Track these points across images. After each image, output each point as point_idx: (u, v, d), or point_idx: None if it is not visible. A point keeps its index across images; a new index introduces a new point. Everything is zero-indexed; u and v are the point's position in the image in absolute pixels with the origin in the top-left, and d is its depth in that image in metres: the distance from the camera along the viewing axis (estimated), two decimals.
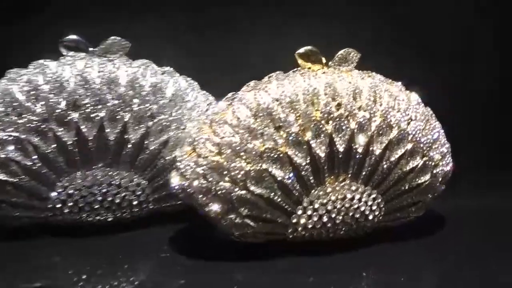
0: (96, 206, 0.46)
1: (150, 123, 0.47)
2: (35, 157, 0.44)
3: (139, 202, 0.48)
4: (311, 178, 0.43)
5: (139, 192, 0.48)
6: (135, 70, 0.47)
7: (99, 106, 0.45)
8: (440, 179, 0.47)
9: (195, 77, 0.51)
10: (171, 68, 0.50)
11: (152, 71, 0.48)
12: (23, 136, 0.44)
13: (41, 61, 0.46)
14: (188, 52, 0.58)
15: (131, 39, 0.48)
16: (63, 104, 0.44)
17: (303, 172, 0.43)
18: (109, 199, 0.47)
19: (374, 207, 0.45)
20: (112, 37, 0.47)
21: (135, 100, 0.46)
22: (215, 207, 0.42)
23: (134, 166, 0.47)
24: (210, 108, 0.50)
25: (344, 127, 0.43)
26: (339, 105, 0.44)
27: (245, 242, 0.44)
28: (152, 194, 0.48)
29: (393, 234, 0.47)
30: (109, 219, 0.47)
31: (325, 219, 0.44)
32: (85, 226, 0.47)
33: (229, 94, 0.45)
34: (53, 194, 0.45)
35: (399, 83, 0.47)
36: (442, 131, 0.48)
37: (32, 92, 0.44)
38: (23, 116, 0.44)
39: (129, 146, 0.46)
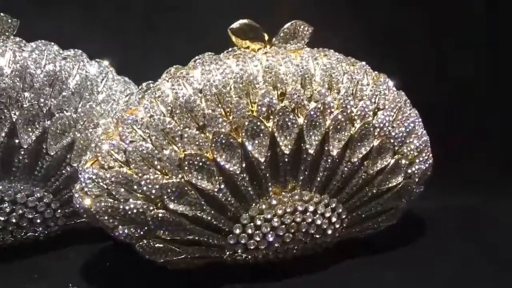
0: None
1: (48, 123, 0.37)
2: None
3: (43, 219, 0.38)
4: (249, 189, 0.34)
5: (42, 208, 0.38)
6: (26, 55, 0.37)
7: None
8: (417, 180, 0.38)
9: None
10: (79, 51, 0.40)
11: (50, 55, 0.38)
12: None
13: None
14: (107, 29, 0.47)
15: (24, 16, 0.37)
16: None
17: (238, 182, 0.34)
18: (2, 218, 0.37)
19: (333, 219, 0.36)
20: None
21: (26, 94, 0.36)
22: (125, 230, 0.33)
23: (32, 177, 0.38)
24: (123, 101, 0.40)
25: (289, 123, 0.34)
26: (282, 95, 0.34)
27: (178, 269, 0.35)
28: (61, 209, 0.39)
29: (360, 246, 0.39)
30: (7, 242, 0.38)
31: (270, 238, 0.35)
32: None
33: (143, 84, 0.36)
34: None
35: (363, 63, 0.38)
36: (419, 120, 0.39)
37: None
38: None
39: (22, 152, 0.37)
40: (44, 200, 0.38)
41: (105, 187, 0.33)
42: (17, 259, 0.39)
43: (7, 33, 0.37)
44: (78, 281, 0.37)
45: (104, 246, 0.41)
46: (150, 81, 0.36)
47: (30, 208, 0.38)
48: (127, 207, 0.33)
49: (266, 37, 0.36)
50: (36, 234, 0.39)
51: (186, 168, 0.33)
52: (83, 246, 0.40)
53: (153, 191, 0.33)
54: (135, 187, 0.33)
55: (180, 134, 0.33)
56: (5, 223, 0.37)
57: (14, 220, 0.38)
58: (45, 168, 0.38)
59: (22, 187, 0.37)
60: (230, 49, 0.36)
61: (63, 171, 0.38)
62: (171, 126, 0.33)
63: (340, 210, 0.36)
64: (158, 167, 0.33)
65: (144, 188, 0.32)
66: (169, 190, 0.33)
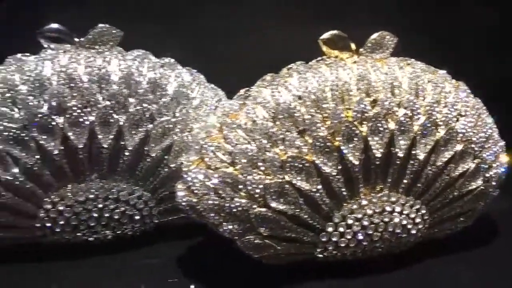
0: (92, 224, 0.40)
1: (150, 126, 0.40)
2: (16, 170, 0.38)
3: (141, 216, 0.41)
4: (343, 189, 0.36)
5: (141, 206, 0.41)
6: (130, 63, 0.39)
7: (88, 109, 0.38)
8: (494, 183, 0.40)
9: (200, 70, 0.44)
10: (172, 60, 0.42)
11: (150, 64, 0.40)
12: (0, 147, 0.37)
13: (18, 55, 0.39)
14: (190, 40, 0.50)
15: (123, 27, 0.40)
16: (45, 108, 0.37)
17: (333, 184, 0.36)
18: (107, 215, 0.40)
19: (417, 220, 0.38)
20: (101, 25, 0.39)
21: (131, 100, 0.39)
22: (229, 226, 0.36)
23: (133, 176, 0.40)
24: (220, 107, 0.43)
25: (381, 129, 0.36)
26: (374, 102, 0.36)
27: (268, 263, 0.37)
28: (157, 207, 0.42)
29: (439, 246, 0.41)
30: (109, 237, 0.41)
31: (360, 236, 0.37)
32: (81, 246, 0.41)
33: (241, 91, 0.38)
34: (41, 211, 0.39)
35: (444, 71, 0.40)
36: (495, 126, 0.41)
37: (7, 95, 0.37)
38: None
39: (127, 153, 0.40)
40: (143, 198, 0.41)
41: (212, 186, 0.35)
42: (116, 253, 0.41)
43: (111, 43, 0.40)
44: (171, 275, 0.39)
45: (192, 242, 0.43)
46: (247, 88, 0.38)
47: (131, 205, 0.41)
48: (232, 205, 0.35)
49: (354, 47, 0.39)
50: (134, 230, 0.42)
51: (287, 169, 0.35)
52: (175, 242, 0.43)
53: (257, 191, 0.35)
54: (240, 186, 0.35)
55: (282, 138, 0.35)
56: (109, 219, 0.40)
57: (116, 217, 0.40)
58: (145, 168, 0.40)
59: (124, 186, 0.40)
60: (319, 58, 0.39)
61: (161, 172, 0.41)
62: (274, 130, 0.35)
63: (424, 211, 0.38)
64: (262, 168, 0.35)
65: (249, 187, 0.35)
66: (271, 190, 0.35)
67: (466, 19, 0.54)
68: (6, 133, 0.37)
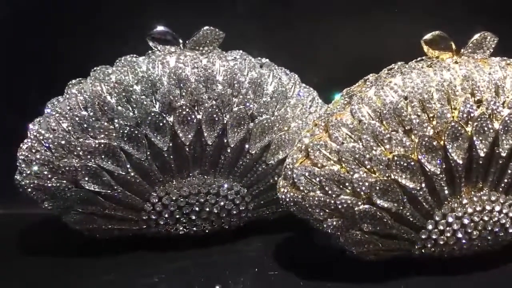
0: (193, 217, 0.42)
1: (251, 125, 0.41)
2: (129, 166, 0.40)
3: (238, 211, 0.43)
4: (445, 188, 0.37)
5: (238, 201, 0.43)
6: (232, 64, 0.41)
7: (196, 108, 0.40)
8: None
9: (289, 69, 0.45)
10: (268, 60, 0.44)
11: (250, 64, 0.42)
12: (115, 143, 0.39)
13: (128, 57, 0.41)
14: (276, 39, 0.51)
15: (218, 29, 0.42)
16: (157, 107, 0.39)
17: (436, 182, 0.37)
18: (207, 209, 0.42)
19: None
20: (205, 27, 0.41)
21: (234, 99, 0.41)
22: (334, 222, 0.37)
23: (233, 172, 0.42)
24: (314, 105, 0.44)
25: (486, 129, 0.36)
26: (479, 102, 0.37)
27: (363, 258, 0.38)
28: (252, 202, 0.43)
29: None
30: (207, 230, 0.43)
31: (459, 234, 0.38)
32: (180, 238, 0.43)
33: (344, 91, 0.39)
34: (148, 205, 0.41)
35: None
36: None
37: (123, 94, 0.39)
38: (114, 121, 0.39)
39: (228, 150, 0.41)
40: (240, 194, 0.43)
41: (318, 183, 0.37)
42: (214, 245, 0.43)
43: (214, 44, 0.42)
44: (268, 267, 0.40)
45: (286, 236, 0.45)
46: (348, 88, 0.39)
47: (229, 200, 0.42)
48: (338, 202, 0.36)
49: (454, 48, 0.39)
50: (230, 223, 0.43)
51: (393, 167, 0.36)
52: (265, 235, 0.45)
53: (363, 188, 0.36)
54: (346, 183, 0.36)
55: (388, 137, 0.36)
56: (209, 213, 0.42)
57: (216, 211, 0.42)
58: (244, 165, 0.42)
59: (224, 182, 0.42)
60: (419, 59, 0.39)
61: (259, 168, 0.42)
62: (381, 129, 0.36)
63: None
64: (368, 166, 0.36)
65: (355, 185, 0.36)
66: (377, 188, 0.36)
67: None
68: (121, 131, 0.39)
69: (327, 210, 0.37)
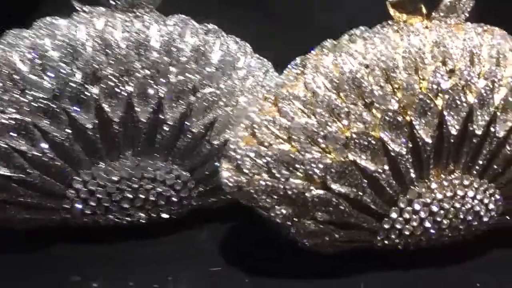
0: (126, 206, 0.36)
1: (192, 99, 0.36)
2: (45, 145, 0.34)
3: (179, 198, 0.38)
4: (411, 171, 0.32)
5: (179, 187, 0.37)
6: (171, 29, 0.36)
7: (126, 78, 0.34)
8: None
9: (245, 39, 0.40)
10: (216, 26, 0.38)
11: (193, 30, 0.36)
12: (28, 119, 0.33)
13: (48, 18, 0.35)
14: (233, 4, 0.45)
15: None
16: (78, 76, 0.34)
17: (401, 164, 0.32)
18: (142, 196, 0.37)
19: (491, 206, 0.34)
20: None
21: (172, 69, 0.35)
22: (283, 210, 0.32)
23: (172, 154, 0.37)
24: (268, 78, 0.39)
25: (459, 102, 0.32)
26: (451, 72, 0.32)
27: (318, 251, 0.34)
28: (196, 188, 0.38)
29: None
30: (142, 220, 0.38)
31: (427, 223, 0.33)
32: (111, 229, 0.37)
33: (297, 59, 0.34)
34: (71, 191, 0.36)
35: None
36: None
37: (37, 61, 0.33)
38: (27, 92, 0.33)
39: (166, 128, 0.36)
40: (181, 179, 0.37)
41: (265, 165, 0.32)
42: (149, 238, 0.38)
43: (150, 6, 0.36)
44: (208, 260, 0.36)
45: (235, 226, 0.40)
46: (303, 56, 0.34)
47: (168, 186, 0.37)
48: (287, 187, 0.31)
49: (425, 11, 0.34)
50: (170, 213, 0.38)
51: (351, 147, 0.31)
52: (213, 225, 0.40)
53: (316, 171, 0.31)
54: (297, 165, 0.31)
55: (346, 111, 0.31)
56: (144, 201, 0.37)
57: (152, 198, 0.37)
58: (185, 145, 0.37)
59: (162, 165, 0.37)
60: (384, 23, 0.35)
61: (202, 149, 0.37)
62: (337, 102, 0.31)
63: (498, 196, 0.34)
64: (322, 145, 0.31)
65: (307, 167, 0.31)
66: (332, 170, 0.31)
67: None
68: (35, 104, 0.33)
69: (274, 196, 0.32)
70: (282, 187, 0.31)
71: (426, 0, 0.34)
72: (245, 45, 0.39)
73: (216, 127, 0.37)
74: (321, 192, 0.31)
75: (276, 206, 0.32)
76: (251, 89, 0.38)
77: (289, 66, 0.34)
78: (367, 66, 0.31)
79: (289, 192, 0.31)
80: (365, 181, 0.32)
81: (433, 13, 0.34)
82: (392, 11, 0.34)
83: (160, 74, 0.35)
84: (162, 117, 0.35)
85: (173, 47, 0.35)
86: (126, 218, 0.37)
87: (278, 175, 0.31)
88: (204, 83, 0.36)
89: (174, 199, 0.37)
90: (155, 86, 0.35)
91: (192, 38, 0.36)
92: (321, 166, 0.31)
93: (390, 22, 0.34)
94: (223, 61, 0.37)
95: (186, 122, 0.36)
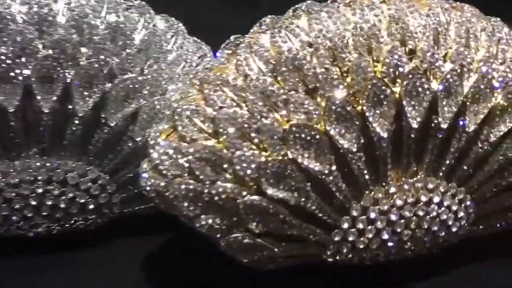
0: (30, 214, 0.30)
1: (109, 86, 0.30)
2: None
3: (97, 205, 0.32)
4: (365, 172, 0.27)
5: (97, 191, 0.32)
6: (83, 1, 0.30)
7: (23, 59, 0.29)
8: None
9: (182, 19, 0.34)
10: (143, 2, 0.33)
11: (111, 4, 0.31)
12: None
13: None
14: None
15: None
16: None
17: (352, 164, 0.27)
18: (49, 203, 0.31)
19: (460, 214, 0.29)
20: None
21: (83, 50, 0.30)
22: (209, 220, 0.26)
23: (86, 152, 0.31)
24: (205, 64, 0.33)
25: (420, 89, 0.27)
26: (412, 53, 0.27)
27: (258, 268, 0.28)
28: (118, 193, 0.32)
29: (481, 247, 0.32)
30: (54, 232, 0.32)
31: (385, 235, 0.28)
32: (16, 242, 0.31)
33: (231, 37, 0.29)
34: None
35: (498, 18, 0.30)
36: None
37: None
38: None
39: (76, 121, 0.30)
40: (99, 182, 0.31)
41: (186, 165, 0.26)
42: (63, 251, 0.33)
43: None
44: (133, 279, 0.31)
45: (166, 238, 0.34)
46: (239, 35, 0.29)
47: (82, 191, 0.31)
48: (213, 191, 0.26)
49: None
50: (87, 223, 0.32)
51: (291, 142, 0.26)
52: (141, 237, 0.34)
53: (248, 172, 0.26)
54: (225, 165, 0.26)
55: (284, 99, 0.26)
56: (52, 209, 0.31)
57: (63, 205, 0.31)
58: (102, 142, 0.31)
59: (74, 165, 0.31)
60: None
61: (124, 147, 0.31)
62: (273, 88, 0.26)
63: (469, 202, 0.29)
64: (256, 140, 0.26)
65: (237, 167, 0.26)
66: (268, 171, 0.26)
67: None
68: None
69: (199, 203, 0.26)
70: (207, 192, 0.26)
71: None
72: (177, 25, 0.33)
73: (139, 121, 0.31)
74: (255, 198, 0.26)
75: (201, 216, 0.26)
76: (183, 76, 0.32)
77: (222, 45, 0.29)
78: (310, 45, 0.26)
79: (216, 198, 0.26)
80: (309, 184, 0.26)
81: None
82: None
83: (67, 55, 0.29)
84: (70, 108, 0.30)
85: (85, 24, 0.30)
86: (33, 230, 0.31)
87: (202, 178, 0.26)
88: (124, 68, 0.30)
89: (90, 206, 0.32)
90: (60, 70, 0.29)
91: (109, 14, 0.30)
92: (253, 166, 0.25)
93: None
94: (148, 41, 0.31)
95: (101, 114, 0.31)
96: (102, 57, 0.30)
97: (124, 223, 0.34)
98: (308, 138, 0.26)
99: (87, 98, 0.30)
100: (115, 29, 0.30)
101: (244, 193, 0.26)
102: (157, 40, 0.32)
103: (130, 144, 0.32)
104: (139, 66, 0.31)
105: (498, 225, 0.32)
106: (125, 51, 0.31)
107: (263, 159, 0.26)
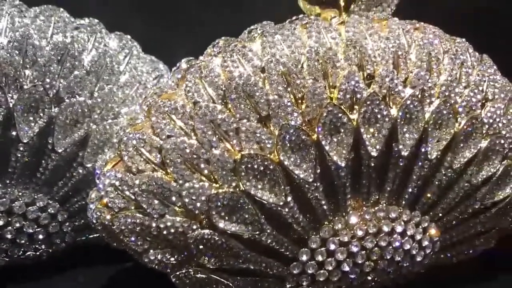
0: None
1: (55, 110, 0.29)
2: None
3: (47, 235, 0.30)
4: (323, 202, 0.26)
5: (46, 220, 0.30)
6: (28, 21, 0.28)
7: None
8: None
9: (139, 38, 0.33)
10: (95, 20, 0.31)
11: (59, 23, 0.29)
12: None
13: None
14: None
15: None
16: None
17: (309, 194, 0.26)
18: None
19: (425, 243, 0.28)
20: None
21: (27, 72, 0.28)
22: (158, 256, 0.25)
23: (34, 180, 0.29)
24: (161, 86, 0.32)
25: (379, 116, 0.25)
26: (370, 78, 0.26)
27: None
28: (70, 222, 0.30)
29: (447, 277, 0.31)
30: (1, 264, 0.30)
31: (346, 267, 0.27)
32: None
33: (182, 61, 0.27)
34: None
35: (463, 39, 0.29)
36: None
37: None
38: None
39: (21, 148, 0.28)
40: (49, 210, 0.30)
41: (133, 197, 0.24)
42: (13, 284, 0.31)
43: None
44: None
45: (123, 267, 0.33)
46: (191, 58, 0.27)
47: (30, 220, 0.29)
48: (161, 225, 0.24)
49: (342, 3, 0.28)
50: (38, 253, 0.30)
51: (242, 173, 0.24)
52: (96, 267, 0.32)
53: (198, 204, 0.24)
54: (174, 198, 0.24)
55: (235, 128, 0.24)
56: None
57: (9, 236, 0.29)
58: (51, 169, 0.29)
59: (20, 194, 0.29)
60: (295, 18, 0.28)
61: (74, 174, 0.30)
62: (223, 116, 0.24)
63: (433, 231, 0.28)
64: (205, 171, 0.24)
65: (186, 200, 0.24)
66: (219, 203, 0.24)
67: None
68: None
69: (147, 238, 0.25)
70: (155, 226, 0.24)
71: None
72: (131, 44, 0.32)
73: (90, 146, 0.30)
74: (205, 231, 0.24)
75: (149, 250, 0.25)
76: (137, 98, 0.31)
77: (174, 68, 0.27)
78: (263, 70, 0.25)
79: (165, 232, 0.24)
80: (263, 216, 0.25)
81: (352, 6, 0.28)
82: (301, 3, 0.27)
83: (9, 78, 0.27)
84: (14, 134, 0.28)
85: (28, 45, 0.28)
86: None
87: (149, 211, 0.24)
88: (72, 91, 0.29)
89: (40, 236, 0.30)
90: (1, 94, 0.27)
91: (56, 35, 0.29)
92: (203, 198, 0.24)
93: (301, 16, 0.28)
94: (98, 63, 0.30)
95: (48, 140, 0.29)
96: (47, 80, 0.28)
97: (78, 253, 0.32)
98: (261, 168, 0.24)
99: (32, 124, 0.28)
100: (62, 50, 0.29)
101: (194, 227, 0.24)
102: (108, 61, 0.30)
103: (80, 170, 0.30)
104: (88, 89, 0.29)
105: (465, 252, 0.31)
106: (73, 73, 0.29)
107: (213, 191, 0.24)
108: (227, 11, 0.39)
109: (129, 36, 0.33)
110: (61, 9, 0.31)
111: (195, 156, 0.24)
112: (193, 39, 0.37)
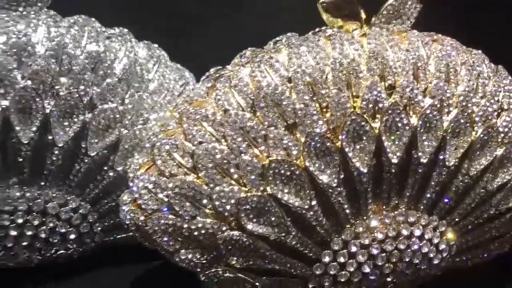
0: (10, 245, 0.30)
1: (89, 116, 0.30)
2: None
3: (79, 235, 0.31)
4: (345, 206, 0.27)
5: (78, 221, 0.31)
6: (63, 31, 0.30)
7: (2, 90, 0.28)
8: None
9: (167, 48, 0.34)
10: (125, 30, 0.33)
11: (92, 33, 0.31)
12: None
13: None
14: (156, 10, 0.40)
15: None
16: None
17: (332, 198, 0.27)
18: (29, 233, 0.30)
19: (442, 246, 0.29)
20: None
21: (63, 80, 0.29)
22: (189, 255, 0.26)
23: (67, 182, 0.31)
24: (187, 93, 0.33)
25: (400, 124, 0.26)
26: (391, 88, 0.27)
27: None
28: (100, 223, 0.32)
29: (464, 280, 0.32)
30: (35, 262, 0.31)
31: (366, 269, 0.28)
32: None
33: (211, 70, 0.29)
34: None
35: (479, 51, 0.30)
36: None
37: None
38: None
39: (56, 152, 0.30)
40: (80, 211, 0.31)
41: (166, 200, 0.26)
42: (44, 282, 0.32)
43: (39, 4, 0.30)
44: None
45: (151, 267, 0.34)
46: (219, 67, 0.29)
47: (63, 220, 0.31)
48: (193, 227, 0.26)
49: (363, 16, 0.29)
50: (69, 252, 0.32)
51: (270, 178, 0.25)
52: (124, 266, 0.33)
53: (227, 207, 0.25)
54: (205, 201, 0.26)
55: (263, 135, 0.25)
56: (33, 238, 0.30)
57: (43, 236, 0.30)
58: (83, 172, 0.31)
59: (54, 195, 0.30)
60: (318, 30, 0.29)
61: (105, 177, 0.31)
62: (252, 123, 0.25)
63: (450, 235, 0.29)
64: (235, 176, 0.25)
65: (216, 202, 0.25)
66: (247, 206, 0.25)
67: None
68: None
69: (178, 238, 0.26)
70: (186, 227, 0.26)
71: (365, 3, 0.29)
72: (159, 53, 0.33)
73: (120, 150, 0.31)
74: (234, 233, 0.26)
75: (180, 250, 0.26)
76: (165, 105, 0.32)
77: (203, 77, 0.29)
78: (289, 80, 0.26)
79: (196, 233, 0.26)
80: (289, 219, 0.26)
81: (373, 19, 0.29)
82: (325, 16, 0.28)
83: (46, 85, 0.29)
84: (50, 138, 0.29)
85: (64, 54, 0.29)
86: (13, 261, 0.31)
87: (181, 213, 0.26)
88: (104, 97, 0.30)
89: (71, 236, 0.31)
90: (39, 100, 0.29)
91: (90, 44, 0.30)
92: (233, 201, 0.25)
93: (324, 28, 0.29)
94: (129, 71, 0.31)
95: (82, 144, 0.30)
96: (82, 87, 0.30)
97: (107, 253, 0.33)
98: (288, 173, 0.26)
99: (67, 129, 0.30)
100: (96, 58, 0.30)
101: (224, 228, 0.26)
102: (138, 69, 0.31)
103: (111, 173, 0.31)
104: (120, 95, 0.31)
105: (480, 256, 0.32)
106: (105, 80, 0.30)
107: (242, 194, 0.25)
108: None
109: (156, 45, 0.34)
110: (93, 19, 0.32)
111: (225, 161, 0.25)
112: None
